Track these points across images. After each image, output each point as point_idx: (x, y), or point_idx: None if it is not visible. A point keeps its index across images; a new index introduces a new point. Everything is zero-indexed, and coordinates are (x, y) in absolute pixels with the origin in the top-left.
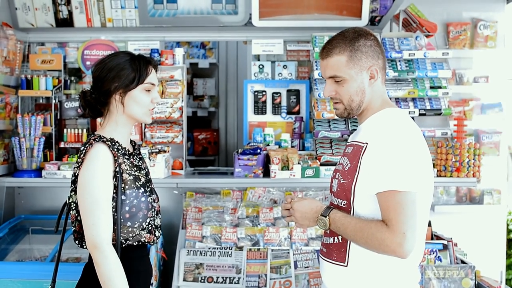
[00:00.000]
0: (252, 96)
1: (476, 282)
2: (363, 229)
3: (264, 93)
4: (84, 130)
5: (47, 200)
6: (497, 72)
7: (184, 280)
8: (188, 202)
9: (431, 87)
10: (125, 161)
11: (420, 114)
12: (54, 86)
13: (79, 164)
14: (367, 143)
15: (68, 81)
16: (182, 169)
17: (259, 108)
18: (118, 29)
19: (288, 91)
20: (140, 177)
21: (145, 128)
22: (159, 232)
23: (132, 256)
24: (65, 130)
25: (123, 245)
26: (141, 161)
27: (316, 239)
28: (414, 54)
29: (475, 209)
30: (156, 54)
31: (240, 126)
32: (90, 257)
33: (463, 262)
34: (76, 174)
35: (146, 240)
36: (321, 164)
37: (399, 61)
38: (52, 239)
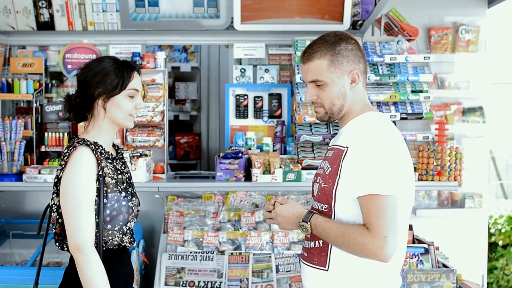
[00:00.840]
0: (234, 100)
1: (458, 286)
2: (344, 233)
3: (245, 97)
4: (65, 134)
5: (28, 204)
6: (479, 76)
7: (166, 284)
8: (169, 206)
9: (413, 91)
10: (107, 165)
11: (401, 118)
12: (35, 90)
13: (62, 166)
14: (347, 147)
15: (49, 84)
16: (163, 173)
17: (241, 112)
18: (99, 32)
19: (270, 95)
20: (122, 181)
21: (126, 131)
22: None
23: (112, 259)
24: (46, 133)
25: (104, 248)
26: (123, 166)
27: (297, 243)
28: (395, 58)
29: (456, 213)
30: (138, 58)
31: (222, 130)
32: (70, 261)
33: (444, 266)
34: (59, 176)
35: (127, 244)
36: (303, 168)
37: (381, 65)
38: (33, 243)
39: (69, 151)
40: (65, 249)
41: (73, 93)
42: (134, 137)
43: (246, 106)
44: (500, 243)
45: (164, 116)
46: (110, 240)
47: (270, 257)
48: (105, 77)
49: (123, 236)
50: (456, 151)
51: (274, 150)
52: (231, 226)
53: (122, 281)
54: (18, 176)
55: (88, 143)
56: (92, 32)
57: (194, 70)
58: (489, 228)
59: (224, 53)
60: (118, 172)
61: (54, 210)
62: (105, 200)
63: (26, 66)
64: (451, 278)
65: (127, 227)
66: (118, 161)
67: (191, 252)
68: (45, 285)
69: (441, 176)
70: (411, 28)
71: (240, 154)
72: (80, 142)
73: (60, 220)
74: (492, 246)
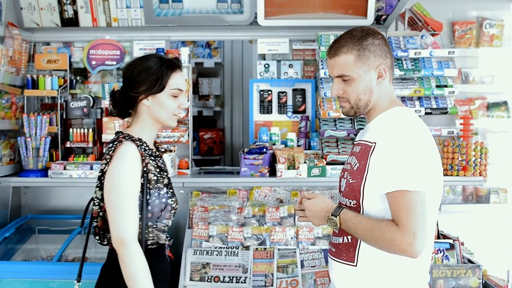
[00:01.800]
0: (257, 96)
1: (484, 282)
2: (374, 229)
3: (269, 92)
4: (90, 130)
5: (53, 200)
6: (503, 71)
7: (191, 279)
8: (194, 201)
9: (437, 86)
10: (150, 162)
11: (426, 113)
12: (59, 86)
13: (108, 160)
14: (375, 143)
15: (74, 80)
16: (188, 168)
17: (265, 108)
18: (123, 28)
19: (293, 90)
20: (163, 178)
21: None
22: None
23: (151, 256)
24: (71, 129)
25: (147, 246)
26: (163, 164)
27: (322, 238)
28: (420, 53)
29: (481, 208)
30: (162, 54)
31: (246, 126)
32: (109, 257)
33: (470, 261)
34: (103, 170)
35: (165, 242)
36: (327, 163)
37: (405, 60)
38: (59, 238)
39: (114, 145)
40: (105, 243)
41: (118, 89)
42: (159, 132)
43: (270, 101)
44: None
45: (188, 111)
46: (150, 237)
47: (295, 252)
48: (148, 75)
49: (161, 233)
50: (481, 146)
51: (298, 146)
52: (256, 221)
53: (160, 277)
54: (44, 172)
55: (134, 138)
56: (116, 28)
57: (217, 66)
58: None
59: (248, 49)
60: (160, 169)
61: (96, 204)
62: (147, 196)
63: (50, 62)
64: (477, 274)
65: (165, 225)
66: (159, 158)
67: (216, 248)
68: (71, 281)
69: (466, 171)
70: (435, 23)
71: (265, 150)
72: (126, 138)
73: (101, 214)
74: None
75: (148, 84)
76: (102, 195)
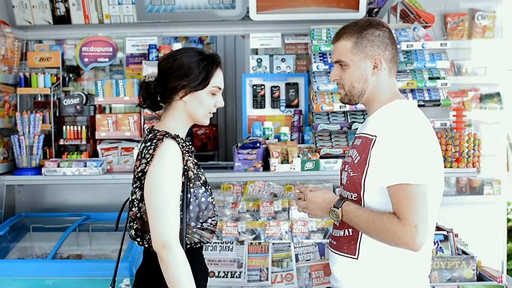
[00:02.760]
0: (250, 90)
1: (478, 273)
2: (375, 221)
3: (262, 86)
4: (83, 127)
5: (47, 198)
6: (496, 62)
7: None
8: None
9: (430, 78)
10: (190, 159)
11: (419, 105)
12: (52, 84)
13: (148, 159)
14: (376, 136)
15: (67, 78)
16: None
17: (258, 102)
18: (115, 25)
19: (286, 84)
20: (200, 175)
21: (144, 123)
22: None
23: (193, 256)
24: (64, 127)
25: (187, 246)
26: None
27: (317, 232)
28: (412, 45)
29: (475, 200)
30: (154, 50)
31: (239, 121)
32: (145, 259)
33: (464, 252)
34: (144, 171)
35: (207, 240)
36: (321, 157)
37: (397, 52)
38: (53, 236)
39: (154, 144)
40: (146, 245)
41: (151, 80)
42: None
43: (263, 96)
44: None
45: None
46: (194, 237)
47: (289, 246)
48: (190, 71)
49: (207, 233)
50: (474, 137)
51: (291, 140)
52: (250, 216)
53: (202, 276)
54: (37, 170)
55: (173, 135)
56: (108, 25)
57: None
58: (508, 214)
59: (240, 44)
60: (197, 166)
61: (136, 205)
62: (188, 195)
63: (43, 60)
64: (471, 265)
65: (209, 223)
66: (193, 154)
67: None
68: (66, 278)
69: (460, 163)
70: (427, 15)
71: (258, 144)
72: (166, 136)
73: (139, 215)
74: (511, 233)
75: (191, 80)
76: (141, 195)
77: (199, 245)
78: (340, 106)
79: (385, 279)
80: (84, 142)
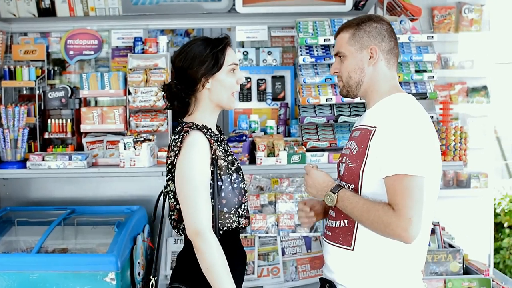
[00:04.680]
0: None
1: (464, 266)
2: (370, 210)
3: (249, 79)
4: (69, 121)
5: (32, 191)
6: (483, 56)
7: (172, 269)
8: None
9: (416, 71)
10: (218, 148)
11: None
12: (37, 77)
13: (176, 152)
14: (376, 127)
15: (52, 71)
16: None
17: (244, 95)
18: (101, 18)
19: (273, 77)
20: (232, 162)
21: (129, 117)
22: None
23: (231, 241)
24: (49, 120)
25: (221, 231)
26: (228, 146)
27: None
28: (398, 38)
29: (462, 193)
30: (140, 43)
31: (226, 114)
32: (185, 246)
33: (451, 246)
34: (173, 163)
35: (243, 226)
36: (307, 150)
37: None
38: (38, 230)
39: (181, 136)
40: (183, 233)
41: (171, 81)
42: (138, 122)
43: (249, 89)
44: (506, 224)
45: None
46: (228, 223)
47: (275, 239)
48: (204, 57)
49: (239, 218)
50: (461, 130)
51: (278, 133)
52: None
53: (240, 261)
54: (22, 164)
55: (199, 126)
56: (93, 18)
57: None
58: (494, 209)
59: None
60: (228, 153)
61: (171, 197)
62: (219, 183)
63: (28, 53)
64: (457, 258)
65: (242, 209)
66: (224, 142)
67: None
68: (51, 272)
69: (446, 156)
70: (414, 8)
71: (244, 137)
72: (192, 127)
73: (178, 206)
74: (498, 226)
75: (207, 65)
76: (175, 187)
77: (233, 229)
78: (326, 99)
79: (379, 271)
80: (69, 135)
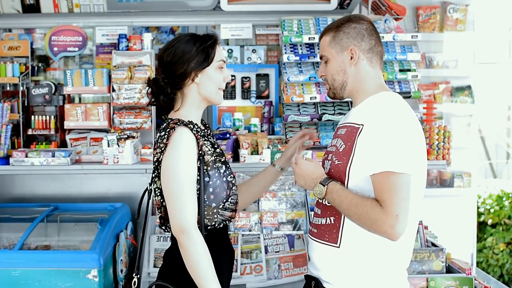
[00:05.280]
0: None
1: (447, 265)
2: (358, 205)
3: (233, 77)
4: (52, 117)
5: (15, 188)
6: (467, 55)
7: (155, 266)
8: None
9: (401, 70)
10: (205, 143)
11: None
12: (21, 73)
13: (162, 149)
14: (363, 125)
15: (36, 67)
16: (151, 155)
17: (228, 93)
18: (85, 14)
19: (257, 75)
20: (221, 155)
21: (113, 114)
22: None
23: (219, 238)
24: (32, 117)
25: (208, 227)
26: (216, 142)
27: (286, 223)
28: (383, 37)
29: (445, 192)
30: (124, 40)
31: (210, 111)
32: (172, 242)
33: (433, 244)
34: (160, 160)
35: (228, 218)
36: None
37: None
38: (21, 227)
39: (167, 133)
40: (170, 231)
41: (158, 76)
42: (121, 119)
43: (234, 86)
44: (489, 222)
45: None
46: (216, 219)
47: (258, 237)
48: (194, 52)
49: (227, 212)
50: (444, 129)
51: (262, 131)
52: None
53: (228, 257)
54: (5, 160)
55: (185, 122)
56: (78, 14)
57: None
58: (478, 208)
59: None
60: (215, 147)
61: (158, 194)
62: (207, 179)
63: (12, 49)
64: (440, 257)
65: (229, 202)
66: (209, 136)
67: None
68: (33, 269)
69: (430, 155)
70: (399, 7)
71: (228, 135)
72: (178, 123)
73: (164, 204)
74: (482, 226)
75: (197, 59)
76: (161, 184)
77: (222, 225)
78: (310, 98)
79: (365, 268)
80: (52, 132)
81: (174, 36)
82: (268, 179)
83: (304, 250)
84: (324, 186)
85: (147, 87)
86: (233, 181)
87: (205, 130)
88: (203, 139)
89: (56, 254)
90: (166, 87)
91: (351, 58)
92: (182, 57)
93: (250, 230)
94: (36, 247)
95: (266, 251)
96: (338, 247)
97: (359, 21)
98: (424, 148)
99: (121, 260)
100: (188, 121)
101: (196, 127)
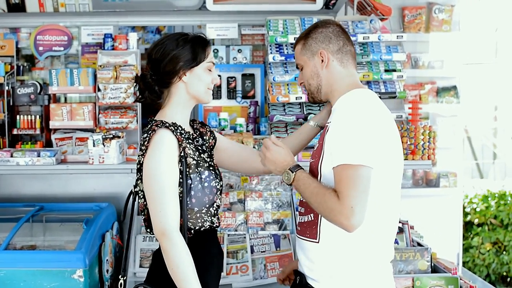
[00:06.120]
0: None
1: (432, 264)
2: (319, 194)
3: (219, 77)
4: (38, 117)
5: (0, 188)
6: (452, 56)
7: (141, 266)
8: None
9: (386, 70)
10: (188, 146)
11: None
12: (6, 72)
13: (143, 151)
14: (330, 122)
15: (21, 67)
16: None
17: (214, 93)
18: (71, 14)
19: (243, 75)
20: (204, 160)
21: (99, 113)
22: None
23: (204, 239)
24: (18, 116)
25: (192, 230)
26: (204, 141)
27: (272, 223)
28: (368, 37)
29: (431, 192)
30: (110, 39)
31: (196, 111)
32: (159, 245)
33: (419, 244)
34: (141, 162)
35: (216, 225)
36: None
37: (354, 44)
38: (6, 227)
39: (148, 135)
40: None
41: (146, 72)
42: (107, 119)
43: (219, 86)
44: (476, 221)
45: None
46: (200, 223)
47: (244, 237)
48: (183, 50)
49: (212, 217)
50: (429, 129)
51: (247, 131)
52: None
53: (215, 259)
54: None
55: (167, 124)
56: (63, 14)
57: None
58: (464, 208)
59: None
60: (200, 151)
61: (141, 196)
62: (189, 182)
63: None
64: (425, 257)
65: (214, 208)
66: (198, 138)
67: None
68: (18, 269)
69: (415, 155)
70: (384, 8)
71: None
72: (159, 125)
73: (148, 206)
74: (468, 225)
75: (187, 59)
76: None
77: (207, 228)
78: (296, 98)
79: (344, 262)
80: (38, 131)
81: (160, 36)
82: (304, 137)
83: (290, 250)
84: (292, 173)
85: (135, 84)
86: (219, 187)
87: (192, 133)
88: (186, 141)
89: (41, 254)
90: (153, 84)
91: (322, 61)
92: (171, 55)
93: (236, 230)
94: (22, 247)
95: (252, 251)
96: (318, 242)
97: (325, 26)
98: (395, 142)
99: (107, 260)
100: (172, 122)
101: (180, 129)
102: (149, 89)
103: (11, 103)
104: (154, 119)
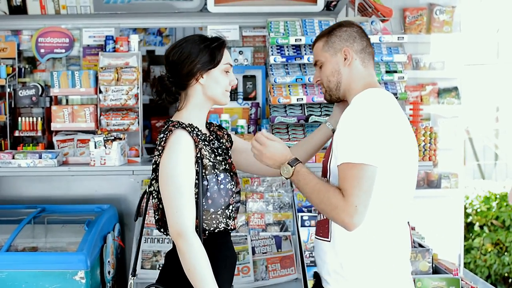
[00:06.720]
0: None
1: (434, 265)
2: (321, 190)
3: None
4: (39, 119)
5: (2, 190)
6: (454, 57)
7: (142, 267)
8: (145, 189)
9: (387, 72)
10: (204, 147)
11: None
12: (8, 74)
13: (160, 151)
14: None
15: (23, 69)
16: (138, 156)
17: None
18: (72, 16)
19: (244, 77)
20: (220, 162)
21: (100, 115)
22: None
23: (218, 242)
24: (19, 118)
25: (207, 232)
26: (220, 144)
27: (273, 224)
28: (369, 38)
29: (432, 193)
30: (111, 41)
31: None
32: (173, 244)
33: (420, 245)
34: (157, 162)
35: (231, 228)
36: None
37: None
38: (8, 228)
39: (165, 135)
40: (169, 233)
41: (163, 74)
42: (108, 120)
43: None
44: (477, 223)
45: (138, 99)
46: (215, 224)
47: (246, 239)
48: (201, 52)
49: (227, 219)
50: (430, 131)
51: (248, 132)
52: None
53: (228, 263)
54: None
55: (184, 125)
56: (65, 16)
57: None
58: (466, 209)
59: None
60: (216, 154)
61: (155, 196)
62: (205, 183)
63: None
64: (426, 258)
65: (230, 210)
66: (214, 141)
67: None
68: (20, 271)
69: None
70: (385, 9)
71: None
72: (176, 126)
73: (161, 206)
74: (469, 226)
75: (204, 60)
76: (158, 187)
77: (222, 230)
78: (297, 99)
79: (355, 260)
80: (39, 133)
81: (161, 38)
82: (320, 138)
83: (291, 251)
84: (292, 167)
85: (153, 85)
86: (234, 190)
87: (208, 135)
88: (202, 143)
89: (43, 256)
90: (171, 86)
91: (345, 59)
92: (188, 57)
93: (237, 231)
94: (23, 249)
95: (253, 252)
96: (329, 241)
97: (349, 25)
98: (407, 143)
99: (109, 261)
100: (188, 123)
101: (196, 130)
102: (166, 91)
103: (12, 105)
104: (171, 119)
